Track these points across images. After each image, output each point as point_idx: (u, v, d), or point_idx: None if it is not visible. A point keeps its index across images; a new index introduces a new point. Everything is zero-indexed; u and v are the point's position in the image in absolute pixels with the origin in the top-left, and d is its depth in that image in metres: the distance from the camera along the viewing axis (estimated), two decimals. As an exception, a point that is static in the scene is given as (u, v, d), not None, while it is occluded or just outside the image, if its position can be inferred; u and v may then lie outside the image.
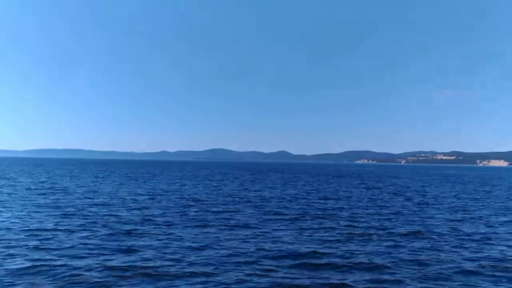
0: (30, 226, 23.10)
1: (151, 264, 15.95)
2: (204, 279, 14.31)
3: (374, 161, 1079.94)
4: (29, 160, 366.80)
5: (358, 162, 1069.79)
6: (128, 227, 23.46)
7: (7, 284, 13.25)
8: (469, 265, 16.66)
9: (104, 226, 23.87)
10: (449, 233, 23.92)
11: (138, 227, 23.60)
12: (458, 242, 21.22)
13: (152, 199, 39.65)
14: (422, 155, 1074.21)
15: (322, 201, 40.73)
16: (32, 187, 51.63)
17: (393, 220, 28.50)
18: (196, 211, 31.03)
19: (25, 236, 20.59)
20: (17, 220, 25.08)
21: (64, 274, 14.36)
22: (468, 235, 23.30)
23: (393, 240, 21.29)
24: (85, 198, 39.34)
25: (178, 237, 21.03)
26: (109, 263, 15.88)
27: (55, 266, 15.33)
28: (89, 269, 15.05)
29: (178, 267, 15.61)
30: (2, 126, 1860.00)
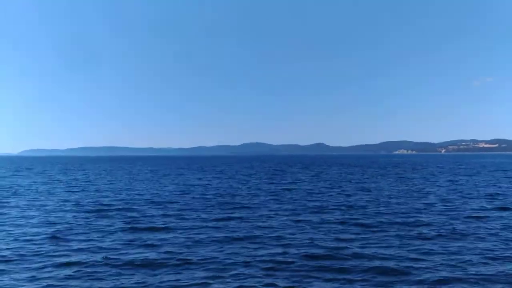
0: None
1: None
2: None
3: (414, 151, 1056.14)
4: (76, 158, 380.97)
5: (396, 152, 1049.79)
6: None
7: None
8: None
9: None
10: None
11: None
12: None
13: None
14: (463, 143, 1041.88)
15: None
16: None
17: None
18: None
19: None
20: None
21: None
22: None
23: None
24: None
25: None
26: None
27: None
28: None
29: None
30: (43, 125, 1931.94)
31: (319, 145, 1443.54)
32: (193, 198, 36.35)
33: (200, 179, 62.07)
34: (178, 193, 40.78)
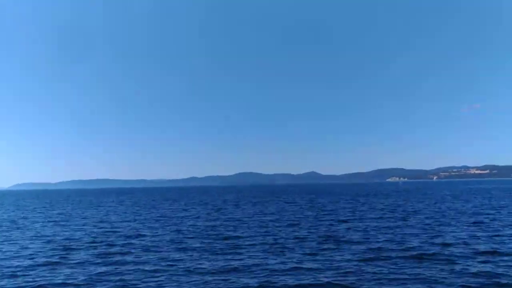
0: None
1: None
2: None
3: (406, 179, 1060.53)
4: (66, 191, 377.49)
5: (389, 180, 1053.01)
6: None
7: None
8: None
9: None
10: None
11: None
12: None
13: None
14: (455, 170, 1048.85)
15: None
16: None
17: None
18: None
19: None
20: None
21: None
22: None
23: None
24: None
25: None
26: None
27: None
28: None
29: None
30: (35, 158, 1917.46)
31: (312, 174, 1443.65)
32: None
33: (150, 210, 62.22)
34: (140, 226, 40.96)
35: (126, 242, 30.37)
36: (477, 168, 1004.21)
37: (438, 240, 27.82)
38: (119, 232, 36.91)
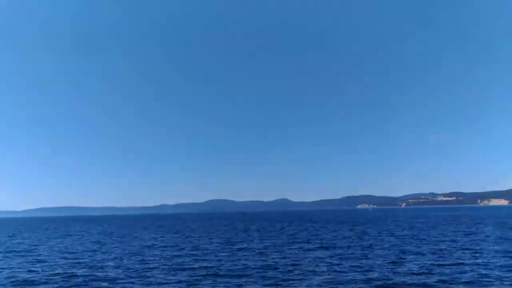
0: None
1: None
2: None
3: (375, 206, 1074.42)
4: (31, 220, 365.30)
5: (359, 207, 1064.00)
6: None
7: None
8: None
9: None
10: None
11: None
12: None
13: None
14: (422, 197, 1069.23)
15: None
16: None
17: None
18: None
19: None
20: None
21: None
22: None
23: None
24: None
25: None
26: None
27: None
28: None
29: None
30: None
31: (282, 201, 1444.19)
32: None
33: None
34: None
35: (89, 273, 29.61)
36: (444, 195, 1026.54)
37: (402, 269, 28.25)
38: (82, 263, 35.94)
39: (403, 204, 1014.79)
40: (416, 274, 26.19)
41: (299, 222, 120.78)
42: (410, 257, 34.38)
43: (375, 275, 26.29)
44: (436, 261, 31.80)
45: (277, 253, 39.53)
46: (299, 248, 44.08)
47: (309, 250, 41.95)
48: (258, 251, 42.18)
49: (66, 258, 39.86)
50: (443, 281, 23.83)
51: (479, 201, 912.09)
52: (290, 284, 24.24)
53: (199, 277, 27.02)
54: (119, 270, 30.87)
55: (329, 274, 26.94)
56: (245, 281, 25.27)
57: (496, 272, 26.26)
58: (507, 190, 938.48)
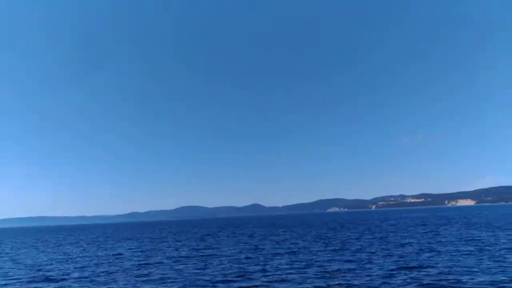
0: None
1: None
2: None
3: (346, 209, 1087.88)
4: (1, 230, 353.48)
5: (330, 210, 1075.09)
6: None
7: None
8: None
9: None
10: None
11: None
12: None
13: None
14: (392, 199, 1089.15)
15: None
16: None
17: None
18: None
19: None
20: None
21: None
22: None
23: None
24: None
25: None
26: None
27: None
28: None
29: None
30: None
31: (255, 206, 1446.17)
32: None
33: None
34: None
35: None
36: (413, 196, 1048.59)
37: (366, 272, 28.50)
38: (48, 274, 34.84)
39: (373, 207, 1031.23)
40: (381, 277, 26.44)
41: (271, 227, 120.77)
42: (377, 260, 34.73)
43: (336, 282, 26.29)
44: (396, 264, 32.19)
45: (258, 260, 39.27)
46: (265, 254, 43.94)
47: (277, 254, 41.85)
48: (232, 257, 41.85)
49: (32, 270, 38.54)
50: (407, 283, 24.14)
51: (446, 201, 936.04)
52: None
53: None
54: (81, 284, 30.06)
55: (293, 283, 26.88)
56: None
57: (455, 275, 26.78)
58: (473, 191, 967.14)
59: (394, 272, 27.92)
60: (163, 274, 31.83)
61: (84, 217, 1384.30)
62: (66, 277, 33.24)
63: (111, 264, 41.19)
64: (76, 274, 34.41)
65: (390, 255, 37.14)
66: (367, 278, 26.05)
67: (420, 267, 29.39)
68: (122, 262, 42.18)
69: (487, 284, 22.74)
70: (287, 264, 34.64)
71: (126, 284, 28.15)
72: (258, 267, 33.32)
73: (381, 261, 33.42)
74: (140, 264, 39.57)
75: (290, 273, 29.43)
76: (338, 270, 29.90)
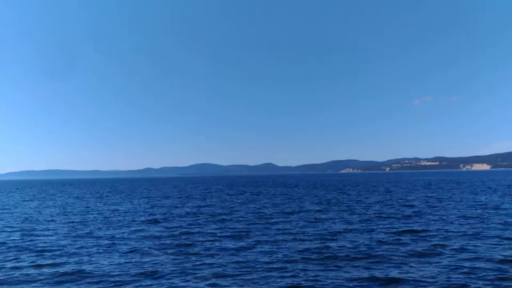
0: None
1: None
2: None
3: (359, 170, 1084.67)
4: (15, 182, 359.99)
5: (343, 171, 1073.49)
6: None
7: None
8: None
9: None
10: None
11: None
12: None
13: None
14: (406, 161, 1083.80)
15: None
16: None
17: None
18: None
19: None
20: None
21: None
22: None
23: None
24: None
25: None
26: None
27: None
28: None
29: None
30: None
31: (268, 165, 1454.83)
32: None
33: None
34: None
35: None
36: (428, 160, 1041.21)
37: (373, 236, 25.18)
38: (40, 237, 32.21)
39: (387, 169, 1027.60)
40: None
41: (285, 187, 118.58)
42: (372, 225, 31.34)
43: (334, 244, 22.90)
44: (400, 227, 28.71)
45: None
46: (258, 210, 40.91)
47: (289, 213, 38.77)
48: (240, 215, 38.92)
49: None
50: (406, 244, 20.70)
51: (461, 165, 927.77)
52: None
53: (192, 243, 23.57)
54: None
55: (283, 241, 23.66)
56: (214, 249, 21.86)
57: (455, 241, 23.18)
58: (489, 155, 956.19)
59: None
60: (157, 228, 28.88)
61: (98, 171, 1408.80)
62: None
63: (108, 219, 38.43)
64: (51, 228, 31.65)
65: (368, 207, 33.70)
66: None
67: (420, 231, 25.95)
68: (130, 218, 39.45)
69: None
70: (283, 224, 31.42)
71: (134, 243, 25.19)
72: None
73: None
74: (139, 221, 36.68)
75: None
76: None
